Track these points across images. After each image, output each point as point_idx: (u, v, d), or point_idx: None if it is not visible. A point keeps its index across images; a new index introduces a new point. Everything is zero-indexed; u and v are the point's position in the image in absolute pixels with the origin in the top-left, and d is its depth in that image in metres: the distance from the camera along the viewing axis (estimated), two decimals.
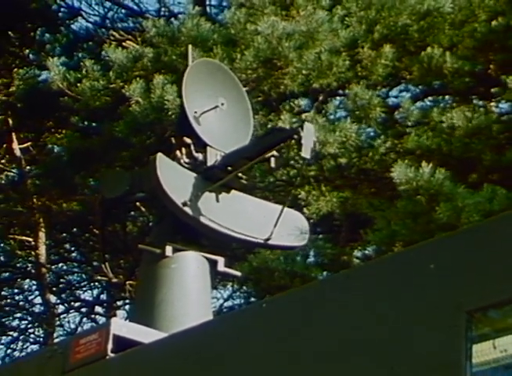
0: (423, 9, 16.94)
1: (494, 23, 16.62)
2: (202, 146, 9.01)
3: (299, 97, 17.41)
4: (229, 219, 8.98)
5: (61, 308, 26.36)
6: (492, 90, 17.01)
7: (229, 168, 8.98)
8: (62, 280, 26.63)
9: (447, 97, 17.66)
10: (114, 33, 22.57)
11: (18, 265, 26.55)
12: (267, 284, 15.76)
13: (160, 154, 8.89)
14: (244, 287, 17.40)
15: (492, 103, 17.40)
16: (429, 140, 16.41)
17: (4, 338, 27.13)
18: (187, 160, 9.00)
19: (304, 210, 13.90)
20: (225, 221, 8.95)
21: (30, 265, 25.89)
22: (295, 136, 8.78)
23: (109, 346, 7.71)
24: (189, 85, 9.24)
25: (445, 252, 6.77)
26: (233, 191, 9.07)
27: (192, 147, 9.03)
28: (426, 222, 14.81)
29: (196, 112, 9.08)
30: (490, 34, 16.61)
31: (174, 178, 8.90)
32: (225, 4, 22.46)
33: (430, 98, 18.15)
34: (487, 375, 5.86)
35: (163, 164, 8.90)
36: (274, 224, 9.12)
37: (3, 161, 25.00)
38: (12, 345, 26.82)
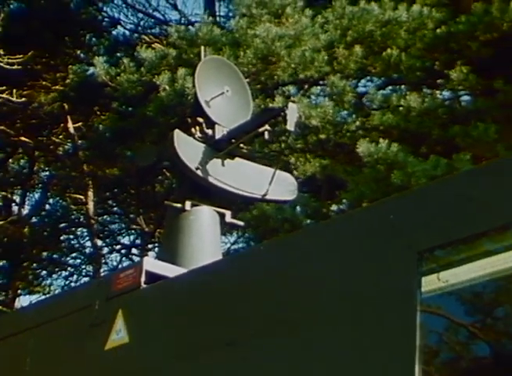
0: (385, 19, 16.89)
1: (439, 30, 16.58)
2: (211, 124, 8.99)
3: (288, 85, 17.35)
4: (233, 180, 8.96)
5: (105, 250, 26.40)
6: (438, 81, 16.99)
7: (233, 140, 8.97)
8: (106, 228, 26.63)
9: (403, 86, 17.62)
10: (145, 37, 22.49)
11: (72, 217, 26.54)
12: (263, 229, 15.75)
13: (177, 130, 8.90)
14: (246, 234, 17.32)
15: (438, 91, 17.38)
16: (390, 119, 16.40)
17: (63, 272, 27.12)
18: (200, 135, 8.98)
19: (294, 172, 13.87)
20: (229, 181, 8.93)
21: (81, 217, 25.81)
22: (282, 114, 8.81)
23: (142, 279, 7.68)
24: (201, 77, 9.23)
25: (400, 207, 6.74)
26: (236, 158, 9.04)
27: (203, 125, 9.02)
28: (385, 185, 14.80)
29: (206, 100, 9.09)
30: (436, 39, 16.57)
31: (189, 149, 8.89)
32: (230, 14, 22.33)
33: (390, 87, 18.12)
34: (432, 300, 5.85)
35: (179, 138, 8.91)
36: (269, 183, 9.11)
37: (61, 137, 24.93)
38: (69, 278, 26.82)
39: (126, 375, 7.36)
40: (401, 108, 16.67)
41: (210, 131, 9.02)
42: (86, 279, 25.60)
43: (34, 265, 27.16)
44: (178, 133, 8.94)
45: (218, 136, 8.99)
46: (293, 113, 8.84)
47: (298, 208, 17.18)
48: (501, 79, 15.99)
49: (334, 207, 16.60)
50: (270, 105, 15.16)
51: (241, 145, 9.14)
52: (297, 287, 6.58)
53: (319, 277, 6.49)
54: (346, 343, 6.13)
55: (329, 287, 6.40)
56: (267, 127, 8.90)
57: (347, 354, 6.11)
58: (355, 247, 6.40)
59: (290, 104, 9.04)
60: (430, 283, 5.87)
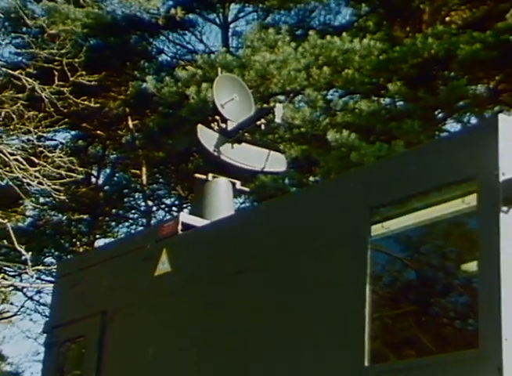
0: (344, 48, 16.83)
1: (381, 56, 16.52)
2: (224, 120, 8.94)
3: (279, 95, 17.29)
4: (240, 158, 8.91)
5: (154, 208, 26.31)
6: (381, 92, 16.94)
7: (240, 131, 8.95)
8: (154, 193, 26.55)
9: (358, 95, 17.53)
10: (181, 61, 22.43)
11: (132, 185, 26.46)
12: (262, 194, 15.70)
13: (199, 125, 8.88)
14: (250, 197, 17.28)
15: (381, 98, 17.34)
16: (348, 117, 16.37)
17: (126, 223, 27.14)
18: (217, 128, 8.94)
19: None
20: (237, 159, 8.89)
21: (138, 185, 25.74)
22: (272, 111, 8.85)
23: (179, 227, 7.63)
24: (217, 88, 9.18)
25: (357, 177, 6.69)
26: (242, 143, 8.99)
27: (219, 121, 8.99)
28: (346, 162, 14.76)
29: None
30: (379, 63, 16.49)
31: (209, 138, 8.86)
32: (239, 46, 22.26)
33: (348, 96, 18.02)
34: (378, 241, 5.80)
35: (202, 130, 8.87)
36: (266, 160, 9.07)
37: (123, 131, 24.85)
38: (130, 227, 26.88)
39: (168, 292, 7.33)
40: (356, 110, 16.64)
41: (223, 125, 8.98)
42: (141, 228, 25.52)
43: (107, 218, 27.16)
44: (200, 127, 8.91)
45: (229, 128, 8.95)
46: (279, 110, 8.88)
47: (287, 180, 17.17)
48: (423, 90, 15.95)
49: (311, 179, 16.53)
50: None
51: (246, 134, 9.11)
52: (287, 232, 6.54)
53: (302, 225, 6.44)
54: (322, 269, 6.09)
55: (308, 232, 6.36)
56: (263, 121, 8.91)
57: (323, 275, 6.07)
58: (327, 205, 6.34)
59: (277, 104, 9.14)
60: (377, 229, 5.82)
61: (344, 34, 17.53)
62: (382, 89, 16.77)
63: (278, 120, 8.90)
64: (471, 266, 5.42)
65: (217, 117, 9.03)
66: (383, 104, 17.24)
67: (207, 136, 8.89)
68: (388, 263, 6.07)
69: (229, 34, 24.89)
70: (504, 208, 5.08)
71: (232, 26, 25.13)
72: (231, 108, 9.06)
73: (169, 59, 24.61)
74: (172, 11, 23.36)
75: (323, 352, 5.85)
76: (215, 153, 8.83)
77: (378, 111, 16.61)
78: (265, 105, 14.35)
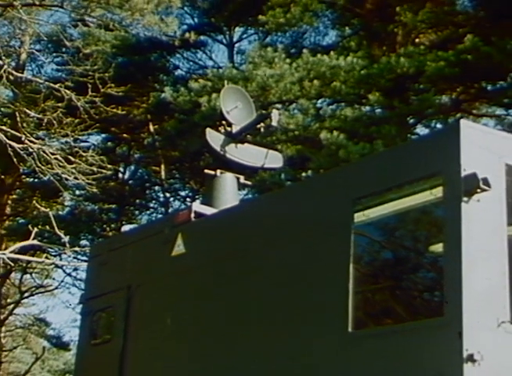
0: (332, 64, 16.80)
1: (362, 71, 16.48)
2: (230, 124, 8.91)
3: (276, 103, 17.23)
4: (243, 156, 8.89)
5: (171, 199, 26.26)
6: (363, 101, 16.91)
7: (242, 133, 8.92)
8: (171, 186, 26.51)
9: (343, 104, 17.49)
10: (194, 75, 22.41)
11: (152, 180, 26.43)
12: (262, 187, 15.67)
13: (208, 129, 8.87)
14: (252, 190, 17.23)
15: (363, 107, 17.29)
16: (336, 122, 16.36)
17: (147, 212, 27.11)
18: (223, 131, 8.90)
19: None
20: (241, 157, 8.87)
21: (157, 180, 25.72)
22: (269, 115, 8.81)
23: (192, 215, 7.62)
24: (224, 97, 9.15)
25: (343, 173, 6.68)
26: (245, 144, 8.97)
27: (226, 125, 8.96)
28: (335, 159, 14.74)
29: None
30: (361, 77, 16.46)
31: (216, 139, 8.83)
32: (243, 62, 22.23)
33: (335, 104, 17.96)
34: (360, 227, 5.79)
35: (210, 133, 8.85)
36: (265, 157, 9.04)
37: (145, 134, 24.79)
38: (151, 215, 26.85)
39: (183, 269, 7.31)
40: (342, 116, 16.62)
41: (229, 129, 8.94)
42: (160, 216, 25.49)
43: (131, 208, 27.12)
44: (209, 130, 8.88)
45: (234, 131, 8.91)
46: (275, 116, 8.85)
47: (283, 175, 17.12)
48: (397, 100, 15.93)
49: (304, 174, 16.47)
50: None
51: (248, 136, 9.08)
52: (283, 219, 6.52)
53: (296, 213, 6.42)
54: (313, 250, 6.07)
55: (301, 219, 6.33)
56: (262, 125, 8.89)
57: (314, 255, 6.06)
58: (317, 197, 6.32)
59: (274, 110, 9.11)
60: (359, 217, 5.81)
61: (331, 52, 17.50)
62: (363, 99, 16.73)
63: (274, 123, 8.86)
64: (437, 247, 5.42)
65: (223, 122, 9.01)
66: (364, 111, 17.17)
67: (214, 138, 8.87)
68: (368, 245, 6.06)
69: (234, 52, 25.03)
70: (465, 199, 5.08)
71: (236, 45, 25.32)
72: (235, 114, 9.03)
73: (184, 73, 24.67)
74: (186, 34, 23.54)
75: (316, 319, 5.85)
76: (221, 152, 8.79)
77: (360, 117, 16.57)
78: (264, 111, 14.33)
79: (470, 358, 4.76)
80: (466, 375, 4.73)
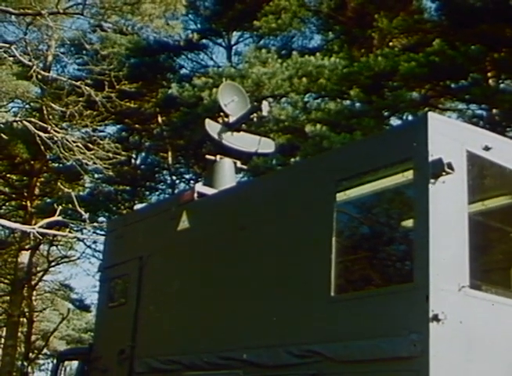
0: (317, 64, 16.75)
1: (344, 70, 16.41)
2: (227, 115, 8.86)
3: (269, 97, 17.13)
4: (238, 143, 8.85)
5: (177, 181, 26.17)
6: (344, 96, 16.84)
7: (238, 123, 8.87)
8: (177, 170, 26.41)
9: (327, 98, 17.39)
10: (197, 73, 22.26)
11: (161, 165, 26.34)
12: (256, 171, 15.61)
13: (207, 119, 8.84)
14: (247, 174, 17.15)
15: (344, 101, 17.21)
16: (320, 115, 16.29)
17: (156, 193, 27.01)
18: (221, 121, 8.85)
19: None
20: (237, 144, 8.82)
21: (165, 165, 25.64)
22: (261, 107, 8.74)
23: (195, 195, 7.60)
24: (222, 92, 9.10)
25: (327, 159, 6.67)
26: (241, 132, 8.92)
27: (223, 116, 8.90)
28: (319, 148, 14.67)
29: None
30: (343, 74, 16.38)
31: (214, 128, 8.78)
32: (240, 62, 22.10)
33: (321, 98, 17.85)
34: (341, 205, 5.79)
35: (209, 123, 8.81)
36: (258, 143, 9.00)
37: (154, 125, 24.71)
38: (159, 195, 26.72)
39: (188, 240, 7.30)
40: (326, 109, 16.55)
41: (226, 119, 8.89)
42: (167, 196, 25.43)
43: (143, 189, 27.05)
44: (208, 121, 8.83)
45: (230, 121, 8.86)
46: (265, 107, 8.78)
47: (274, 161, 17.03)
48: (375, 95, 15.87)
49: (293, 160, 16.42)
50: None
51: (243, 125, 9.04)
52: (274, 199, 6.50)
53: (285, 194, 6.41)
54: (301, 225, 6.07)
55: (290, 199, 6.32)
56: (255, 115, 8.83)
57: (302, 230, 6.05)
58: (304, 179, 6.30)
59: (264, 101, 9.05)
60: (340, 196, 5.81)
61: (317, 54, 17.41)
62: (345, 94, 16.65)
63: (265, 113, 8.79)
64: (408, 223, 5.42)
65: (222, 114, 8.96)
66: (346, 105, 17.09)
67: (213, 127, 8.82)
68: (349, 221, 6.06)
69: (232, 53, 24.98)
70: (432, 181, 5.09)
71: (234, 47, 25.27)
72: (232, 107, 8.98)
73: (188, 72, 24.47)
74: (190, 35, 23.55)
75: (303, 285, 5.86)
76: (219, 140, 8.75)
77: (342, 110, 16.48)
78: (256, 104, 14.31)
79: (435, 318, 4.79)
80: (431, 332, 4.76)
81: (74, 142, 16.95)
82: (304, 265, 5.88)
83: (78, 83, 17.72)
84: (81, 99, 17.72)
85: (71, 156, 16.85)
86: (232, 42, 25.06)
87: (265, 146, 9.20)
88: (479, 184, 5.71)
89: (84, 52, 22.08)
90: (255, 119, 8.84)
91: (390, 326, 5.04)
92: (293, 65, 16.89)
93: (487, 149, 5.53)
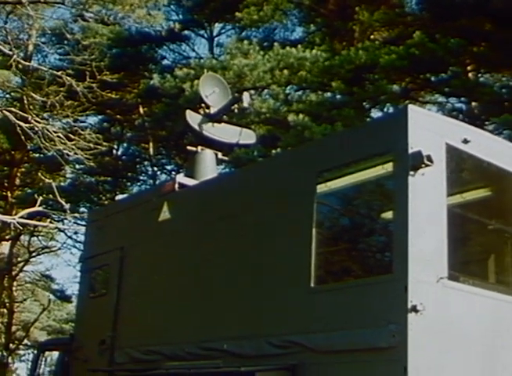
0: (298, 56, 16.71)
1: (326, 62, 16.39)
2: (208, 106, 8.83)
3: (251, 90, 17.08)
4: (220, 134, 8.83)
5: (158, 172, 26.00)
6: (326, 88, 16.81)
7: (219, 114, 8.84)
8: (159, 161, 26.24)
9: (308, 90, 17.37)
10: (179, 64, 22.15)
11: (142, 156, 26.16)
12: (237, 163, 15.56)
13: (188, 110, 8.82)
14: (229, 165, 17.09)
15: (325, 93, 17.19)
16: (302, 106, 16.28)
17: (138, 183, 26.85)
18: (202, 112, 8.82)
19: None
20: (218, 135, 8.80)
21: (146, 156, 25.48)
22: (241, 98, 8.72)
23: (176, 186, 7.58)
24: (203, 84, 9.07)
25: (308, 150, 6.66)
26: (222, 123, 8.90)
27: (205, 107, 8.87)
28: (301, 138, 14.67)
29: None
30: (324, 67, 16.35)
31: (195, 119, 8.75)
32: (222, 53, 22.03)
33: (302, 90, 17.82)
34: (322, 197, 5.79)
35: (190, 114, 8.78)
36: (239, 134, 8.98)
37: (136, 115, 24.49)
38: (141, 186, 26.58)
39: (169, 231, 7.28)
40: (307, 101, 16.54)
41: (207, 110, 8.86)
42: (149, 186, 25.29)
43: (124, 180, 26.90)
44: (189, 112, 8.81)
45: (212, 112, 8.83)
46: (246, 98, 8.79)
47: (256, 152, 16.98)
48: (356, 87, 15.89)
49: (274, 151, 16.39)
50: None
51: (224, 116, 9.01)
52: (256, 190, 6.50)
53: (267, 185, 6.40)
54: (282, 216, 6.06)
55: (271, 190, 6.31)
56: (236, 106, 8.81)
57: (283, 221, 6.05)
58: (285, 170, 6.30)
59: (245, 93, 9.06)
60: (321, 188, 5.81)
61: (298, 46, 17.37)
62: (326, 86, 16.63)
63: (246, 105, 8.79)
64: (388, 215, 5.44)
65: (203, 105, 8.93)
66: (327, 97, 17.08)
67: (194, 118, 8.80)
68: (329, 213, 6.07)
69: (214, 44, 24.87)
70: (412, 173, 5.10)
71: (216, 39, 25.15)
72: (213, 98, 8.95)
73: (170, 63, 24.33)
74: (172, 25, 23.48)
75: (283, 276, 5.86)
76: (200, 130, 8.72)
77: (323, 102, 16.47)
78: (237, 95, 14.28)
79: (414, 308, 4.81)
80: (409, 322, 4.79)
81: (55, 132, 16.82)
82: (285, 256, 5.88)
83: (59, 73, 17.56)
84: (62, 89, 17.57)
85: (52, 146, 16.72)
86: (214, 34, 24.99)
87: (247, 137, 9.18)
88: (458, 177, 5.74)
89: (65, 41, 21.95)
90: (236, 110, 8.82)
91: (369, 317, 5.06)
92: (274, 57, 16.84)
93: (466, 142, 5.56)
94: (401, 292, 4.85)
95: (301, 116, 15.38)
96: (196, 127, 8.67)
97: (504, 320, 5.48)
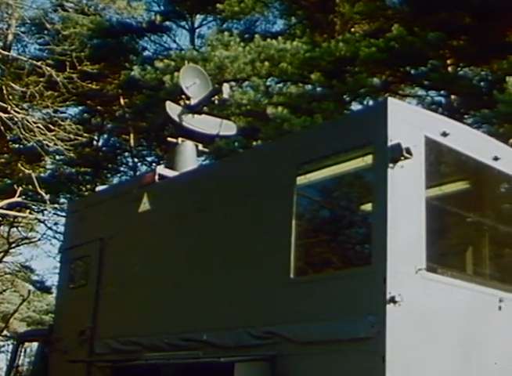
0: (279, 48, 16.67)
1: (306, 54, 16.37)
2: (188, 98, 8.80)
3: (231, 81, 17.00)
4: (200, 125, 8.81)
5: (139, 164, 25.90)
6: (306, 80, 16.79)
7: (200, 105, 8.82)
8: (140, 153, 26.11)
9: (289, 82, 17.34)
10: (159, 56, 22.02)
11: (123, 147, 26.00)
12: (218, 154, 15.50)
13: (168, 102, 8.81)
14: (209, 156, 17.03)
15: (305, 85, 17.16)
16: (282, 98, 16.27)
17: (118, 175, 26.69)
18: (183, 104, 8.79)
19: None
20: (198, 126, 8.78)
21: (127, 147, 25.36)
22: (221, 89, 8.69)
23: (156, 177, 7.55)
24: (183, 75, 9.05)
25: (287, 142, 6.66)
26: (202, 115, 8.88)
27: (185, 98, 8.84)
28: (280, 131, 14.66)
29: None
30: (305, 59, 16.33)
31: (175, 110, 8.73)
32: (203, 45, 21.92)
33: (283, 82, 17.77)
34: (301, 189, 5.80)
35: (170, 105, 8.76)
36: (220, 126, 8.96)
37: (117, 107, 24.37)
38: (121, 177, 26.42)
39: (148, 222, 7.25)
40: (287, 93, 16.52)
41: (188, 102, 8.82)
42: (129, 178, 25.15)
43: (105, 171, 26.75)
44: (168, 103, 8.79)
45: (192, 104, 8.80)
46: (226, 89, 8.74)
47: (236, 144, 16.94)
48: (336, 80, 15.90)
49: (255, 143, 16.33)
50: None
51: (205, 108, 8.99)
52: (236, 181, 6.49)
53: (247, 177, 6.40)
54: (262, 208, 6.07)
55: (251, 181, 6.31)
56: (217, 97, 8.78)
57: (263, 213, 6.05)
58: (265, 162, 6.29)
59: (225, 84, 9.02)
60: (301, 180, 5.82)
61: (279, 38, 17.34)
62: (306, 78, 16.61)
63: (226, 96, 8.78)
64: (368, 207, 5.45)
65: (183, 96, 8.90)
66: (307, 89, 17.06)
67: (174, 110, 8.77)
68: (309, 205, 6.07)
69: (195, 36, 24.77)
70: (391, 165, 5.11)
71: (197, 30, 25.04)
72: (194, 89, 8.92)
73: (151, 54, 24.16)
74: (153, 16, 23.32)
75: (263, 267, 5.86)
76: (180, 122, 8.70)
77: (303, 94, 16.44)
78: (217, 86, 14.19)
79: (392, 299, 4.84)
80: (388, 313, 4.81)
81: (35, 122, 16.70)
82: (265, 248, 5.88)
83: (39, 63, 17.42)
84: (41, 79, 17.42)
85: (32, 137, 16.60)
86: (196, 25, 24.87)
87: (227, 128, 9.16)
88: (436, 169, 5.78)
89: (45, 31, 21.72)
90: (216, 102, 8.80)
91: (348, 308, 5.08)
92: (255, 49, 16.78)
93: (445, 135, 5.58)
94: (379, 283, 4.87)
95: (280, 108, 15.35)
96: (176, 118, 8.64)
97: (481, 311, 5.53)
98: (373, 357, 4.81)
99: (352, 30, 18.79)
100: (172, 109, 8.72)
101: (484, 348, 5.44)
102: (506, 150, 6.36)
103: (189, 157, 8.64)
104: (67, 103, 19.45)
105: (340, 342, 5.05)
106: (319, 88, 16.93)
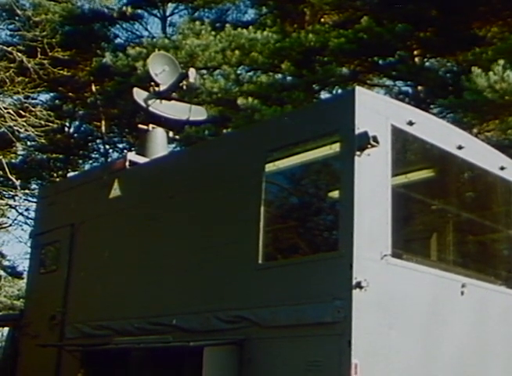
0: (250, 37, 16.58)
1: (277, 44, 16.32)
2: (157, 84, 8.75)
3: (203, 70, 16.91)
4: (169, 111, 8.75)
5: (110, 151, 25.68)
6: (276, 69, 16.80)
7: (169, 91, 8.76)
8: (111, 140, 25.91)
9: (259, 71, 17.24)
10: (131, 43, 21.82)
11: (94, 134, 25.74)
12: (188, 141, 15.41)
13: (135, 88, 8.80)
14: (180, 143, 16.87)
15: (276, 74, 17.11)
16: (252, 87, 16.22)
17: (90, 161, 26.43)
18: (152, 90, 8.74)
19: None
20: (167, 112, 8.73)
21: (99, 134, 25.15)
22: (188, 74, 8.64)
23: (127, 164, 7.50)
24: (152, 62, 9.00)
25: (256, 130, 6.64)
26: (171, 101, 8.82)
27: (154, 85, 8.78)
28: (251, 120, 14.61)
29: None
30: (275, 49, 16.27)
31: (142, 96, 8.67)
32: (174, 33, 21.74)
33: (252, 71, 17.68)
34: (270, 176, 5.79)
35: (137, 92, 8.70)
36: (189, 111, 8.91)
37: (89, 94, 24.08)
38: (92, 164, 26.19)
39: (118, 210, 7.21)
40: (258, 82, 16.47)
41: (157, 88, 8.76)
42: (100, 164, 24.93)
43: (76, 157, 26.49)
44: (136, 89, 8.76)
45: (161, 89, 8.74)
46: (192, 74, 8.71)
47: (206, 132, 16.85)
48: (305, 69, 15.89)
49: (225, 131, 16.25)
50: None
51: (174, 95, 8.93)
52: (205, 168, 6.47)
53: (216, 164, 6.37)
54: (230, 195, 6.05)
55: (220, 169, 6.28)
56: (185, 83, 8.73)
57: (231, 200, 6.04)
58: (235, 150, 6.28)
59: (191, 69, 8.99)
60: (269, 167, 5.81)
61: (250, 27, 17.28)
62: (277, 68, 16.57)
63: (192, 80, 8.74)
64: (335, 194, 5.47)
65: (152, 83, 8.84)
66: (277, 78, 17.03)
67: (141, 96, 8.72)
68: (277, 191, 6.07)
69: (167, 24, 24.61)
70: (358, 153, 5.13)
71: (169, 19, 24.86)
72: (163, 76, 8.86)
73: (122, 41, 23.92)
74: (124, 8, 23.05)
75: (232, 252, 5.86)
76: (148, 108, 8.64)
77: (274, 83, 16.41)
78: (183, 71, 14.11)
79: (358, 285, 4.87)
80: (354, 298, 4.84)
81: (6, 108, 16.47)
82: (234, 234, 5.88)
83: (10, 49, 17.15)
84: (12, 65, 17.17)
85: (3, 123, 16.37)
86: (167, 13, 24.69)
87: (197, 113, 9.12)
88: (403, 157, 5.80)
89: (16, 17, 21.40)
90: (184, 87, 8.74)
91: (315, 293, 5.10)
92: (226, 38, 16.68)
93: (411, 124, 5.61)
94: (346, 269, 4.90)
95: (250, 99, 15.29)
96: (144, 104, 8.58)
97: (445, 296, 5.59)
98: (339, 341, 4.84)
99: (322, 20, 18.79)
100: (139, 95, 8.66)
101: (447, 332, 5.51)
102: (469, 139, 6.42)
103: (160, 143, 8.58)
104: (38, 89, 19.18)
105: (307, 326, 5.07)
106: (289, 78, 16.91)
